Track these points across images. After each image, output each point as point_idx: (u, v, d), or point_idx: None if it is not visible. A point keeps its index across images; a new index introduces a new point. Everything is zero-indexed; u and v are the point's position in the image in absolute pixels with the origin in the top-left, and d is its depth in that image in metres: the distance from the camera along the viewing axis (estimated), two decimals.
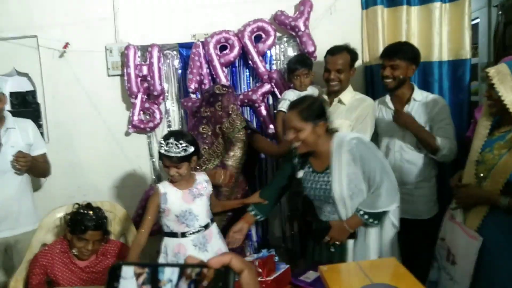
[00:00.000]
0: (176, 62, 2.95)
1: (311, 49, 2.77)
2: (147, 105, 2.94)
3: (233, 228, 2.06)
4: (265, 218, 2.20)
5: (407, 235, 2.11)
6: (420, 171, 2.35)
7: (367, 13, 2.80)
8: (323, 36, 2.77)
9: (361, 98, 2.47)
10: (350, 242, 1.93)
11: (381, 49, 2.60)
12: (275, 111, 2.76)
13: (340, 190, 1.84)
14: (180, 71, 2.96)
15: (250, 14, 2.83)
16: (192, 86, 2.82)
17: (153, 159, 3.04)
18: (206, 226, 2.01)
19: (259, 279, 1.66)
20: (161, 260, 1.99)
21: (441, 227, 1.98)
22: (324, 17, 2.84)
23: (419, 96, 2.36)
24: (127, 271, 0.58)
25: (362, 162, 1.82)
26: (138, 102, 2.91)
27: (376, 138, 2.46)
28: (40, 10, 2.92)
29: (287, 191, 2.23)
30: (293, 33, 2.82)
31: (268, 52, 2.88)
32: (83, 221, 1.95)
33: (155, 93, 2.89)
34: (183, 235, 1.97)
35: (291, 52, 2.89)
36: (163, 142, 1.90)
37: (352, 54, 2.42)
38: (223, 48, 2.87)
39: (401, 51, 2.31)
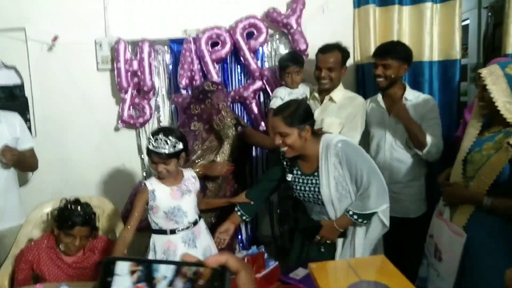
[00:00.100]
0: (167, 58, 2.93)
1: (303, 46, 2.77)
2: (137, 100, 2.91)
3: (220, 229, 2.07)
4: (251, 218, 2.20)
5: (395, 233, 2.12)
6: (409, 170, 2.37)
7: (359, 12, 2.81)
8: (315, 34, 2.77)
9: (352, 97, 2.48)
10: (340, 241, 1.95)
11: (372, 48, 2.61)
12: (267, 109, 2.76)
13: (328, 192, 1.87)
14: (171, 67, 2.93)
15: (242, 11, 2.82)
16: (183, 82, 2.81)
17: (143, 155, 3.01)
18: (195, 223, 2.01)
19: None
20: (150, 257, 1.97)
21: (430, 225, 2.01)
22: (316, 15, 2.84)
23: (411, 95, 2.37)
24: (122, 268, 0.57)
25: (348, 164, 1.84)
26: (128, 97, 2.89)
27: (367, 136, 2.47)
28: (29, 2, 2.87)
29: (274, 193, 2.23)
30: (285, 31, 2.82)
31: (260, 49, 2.87)
32: (70, 217, 1.93)
33: (145, 88, 2.86)
34: (172, 232, 1.95)
35: (283, 50, 2.88)
36: (151, 138, 1.87)
37: (343, 52, 2.43)
38: (214, 44, 2.85)
39: (393, 51, 2.32)
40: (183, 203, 1.96)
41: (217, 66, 2.85)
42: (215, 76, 2.80)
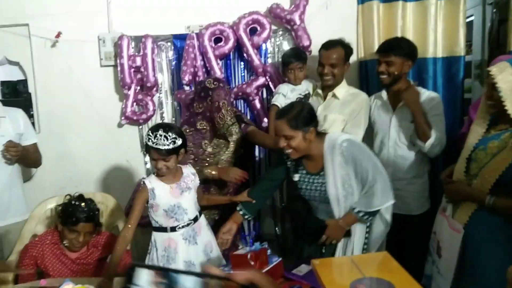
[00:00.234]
0: (170, 54, 2.92)
1: (306, 43, 2.76)
2: (140, 96, 2.91)
3: (222, 229, 2.06)
4: (252, 217, 2.19)
5: (398, 230, 2.13)
6: (413, 167, 2.36)
7: (363, 8, 2.80)
8: (319, 30, 2.77)
9: (355, 93, 2.47)
10: (342, 240, 1.96)
11: (376, 44, 2.60)
12: (269, 105, 2.75)
13: (335, 191, 1.88)
14: (174, 63, 2.93)
15: (246, 7, 2.81)
16: (186, 78, 2.81)
17: (145, 151, 3.01)
18: (195, 219, 2.00)
19: None
20: (153, 254, 1.97)
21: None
22: (320, 11, 2.83)
23: None
24: (142, 277, 0.56)
25: (354, 163, 1.84)
26: (131, 93, 2.89)
27: (371, 133, 2.47)
28: None
29: (275, 192, 2.21)
30: (289, 27, 2.81)
31: (263, 45, 2.87)
32: (74, 213, 1.93)
33: (149, 84, 2.86)
34: (173, 229, 1.94)
35: (286, 46, 2.88)
36: (151, 134, 1.84)
37: (346, 48, 2.42)
38: (217, 40, 2.85)
39: (397, 47, 2.31)
40: (183, 201, 1.95)
41: (220, 62, 2.85)
42: (218, 72, 2.80)
